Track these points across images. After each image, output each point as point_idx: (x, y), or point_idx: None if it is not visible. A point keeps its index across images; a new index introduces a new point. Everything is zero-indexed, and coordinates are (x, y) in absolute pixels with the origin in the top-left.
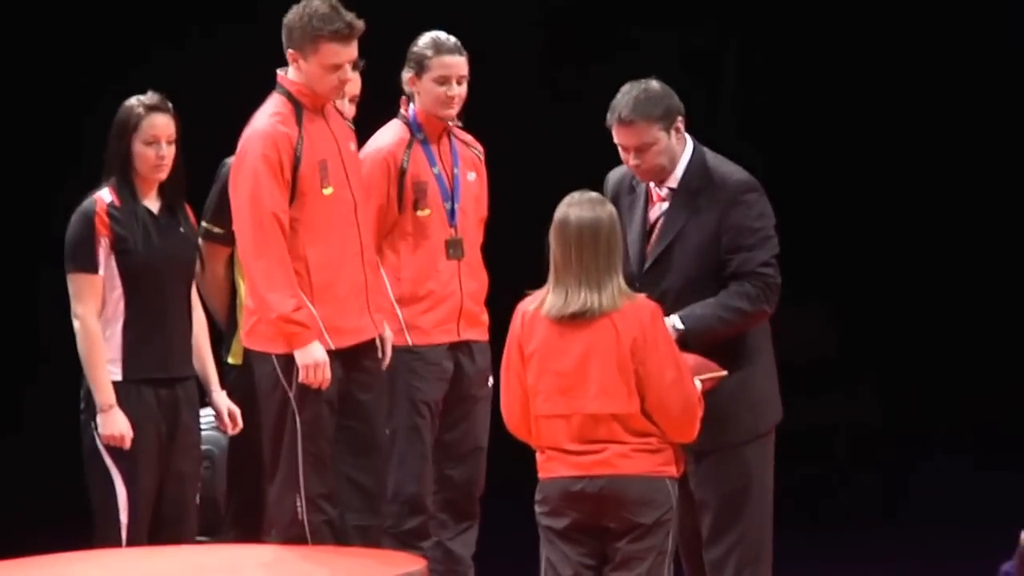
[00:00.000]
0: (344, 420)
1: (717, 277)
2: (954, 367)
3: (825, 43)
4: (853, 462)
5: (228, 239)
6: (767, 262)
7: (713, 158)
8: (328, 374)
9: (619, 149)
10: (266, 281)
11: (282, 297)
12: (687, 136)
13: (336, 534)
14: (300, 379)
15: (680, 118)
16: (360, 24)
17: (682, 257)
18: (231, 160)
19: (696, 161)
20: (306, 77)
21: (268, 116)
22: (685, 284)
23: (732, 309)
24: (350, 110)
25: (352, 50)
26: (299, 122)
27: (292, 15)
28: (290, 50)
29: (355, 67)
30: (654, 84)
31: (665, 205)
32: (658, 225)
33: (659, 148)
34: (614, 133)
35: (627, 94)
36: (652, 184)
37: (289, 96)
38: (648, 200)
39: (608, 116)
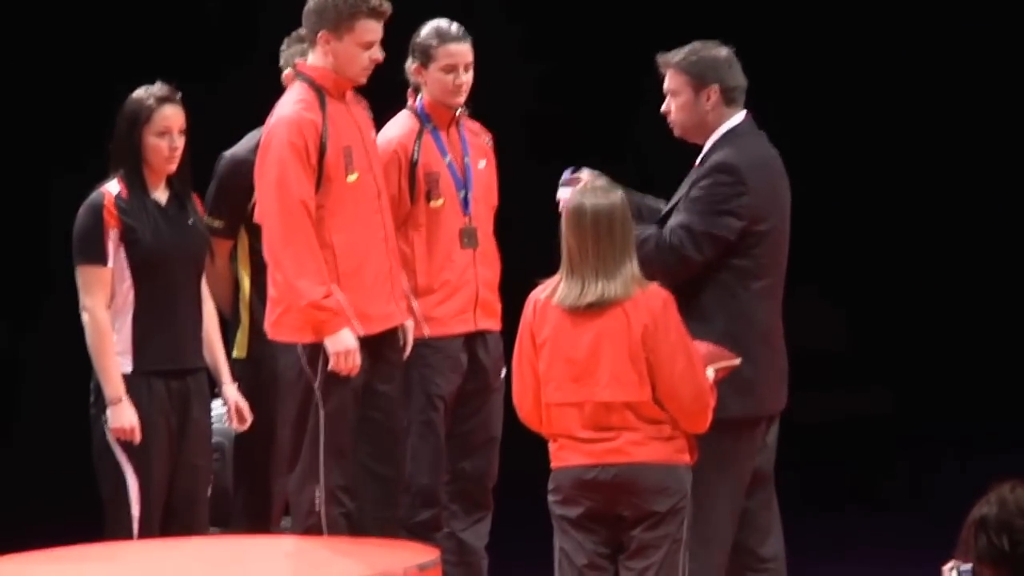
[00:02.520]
0: (364, 411)
1: None
2: (968, 360)
3: (843, 33)
4: (866, 455)
5: (228, 232)
6: (687, 226)
7: (738, 141)
8: (358, 360)
9: None
10: (296, 268)
11: (312, 284)
12: (737, 115)
13: (353, 526)
14: (331, 366)
15: (716, 87)
16: (389, 5)
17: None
18: (228, 154)
19: (723, 140)
20: (337, 58)
21: (293, 103)
22: None
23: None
24: None
25: (381, 30)
26: (323, 108)
27: None
28: (322, 31)
29: None
30: (716, 48)
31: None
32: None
33: (681, 102)
34: None
35: (690, 44)
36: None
37: (311, 83)
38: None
39: None
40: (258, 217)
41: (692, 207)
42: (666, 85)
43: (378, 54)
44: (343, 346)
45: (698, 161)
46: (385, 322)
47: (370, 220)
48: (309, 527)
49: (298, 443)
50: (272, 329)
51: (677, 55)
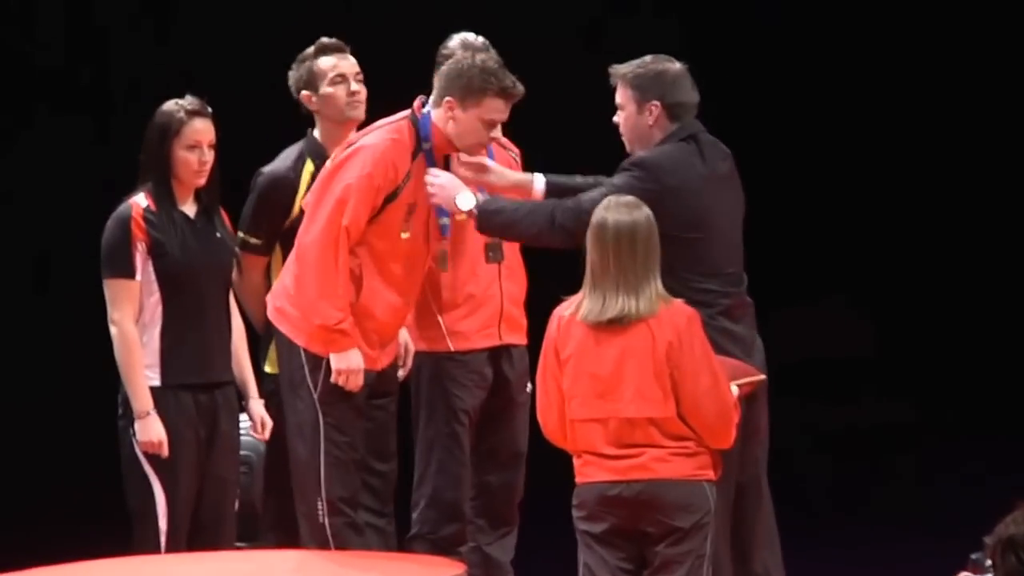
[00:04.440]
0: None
1: None
2: (994, 367)
3: (853, 36)
4: (888, 463)
5: (265, 249)
6: (595, 199)
7: (660, 146)
8: (360, 381)
9: None
10: (320, 286)
11: (330, 308)
12: (676, 132)
13: (361, 536)
14: (332, 379)
15: (656, 103)
16: (521, 88)
17: None
18: (266, 170)
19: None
20: (457, 127)
21: (387, 137)
22: None
23: (537, 211)
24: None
25: (507, 111)
26: (412, 158)
27: (461, 64)
28: (449, 97)
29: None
30: (665, 63)
31: None
32: None
33: (625, 115)
34: None
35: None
36: None
37: (417, 132)
38: None
39: None
40: (306, 207)
41: (600, 185)
42: (616, 97)
43: (498, 132)
44: (346, 365)
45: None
46: (370, 364)
47: (403, 280)
48: (317, 539)
49: (298, 450)
50: (276, 315)
51: (626, 68)
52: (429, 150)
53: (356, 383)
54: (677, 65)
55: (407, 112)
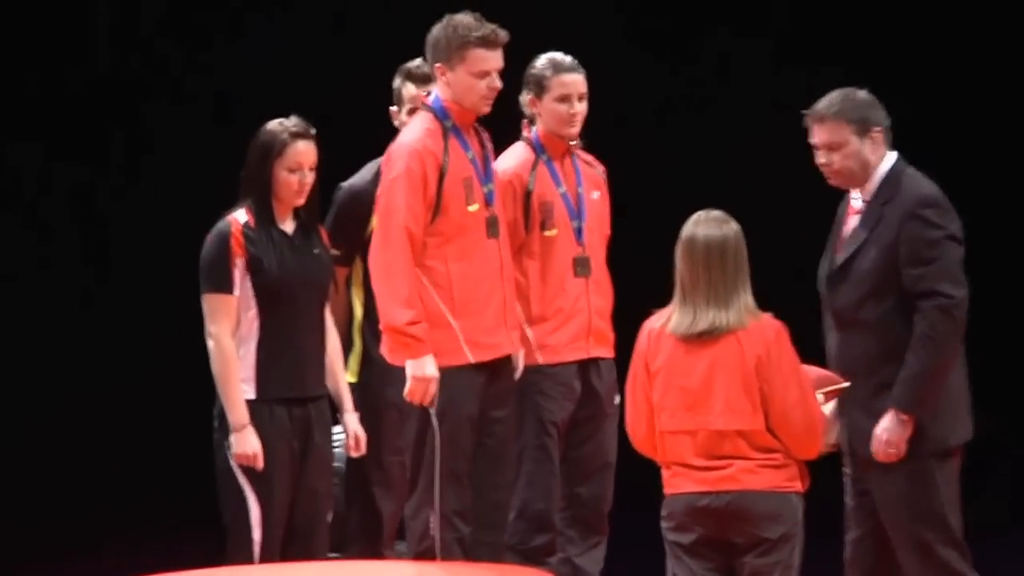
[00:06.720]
0: (478, 436)
1: (893, 290)
2: None
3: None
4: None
5: (345, 260)
6: (940, 275)
7: (910, 174)
8: (433, 390)
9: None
10: (388, 292)
11: (400, 308)
12: (891, 153)
13: (466, 551)
14: (405, 392)
15: (876, 128)
16: (504, 33)
17: (860, 270)
18: (346, 184)
19: (892, 176)
20: (453, 89)
21: (415, 132)
22: (862, 296)
23: (918, 356)
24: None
25: (498, 58)
26: (445, 139)
27: (436, 30)
28: (437, 64)
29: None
30: (860, 92)
31: (857, 218)
32: (847, 238)
33: (849, 151)
34: (809, 130)
35: (830, 94)
36: (852, 199)
37: (435, 114)
38: (846, 214)
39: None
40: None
41: (928, 256)
42: (821, 138)
43: (495, 82)
44: (421, 373)
45: (868, 200)
46: (495, 351)
47: (487, 250)
48: (423, 551)
49: (416, 467)
50: (389, 353)
51: (832, 106)
52: (453, 126)
53: (430, 393)
54: (865, 91)
55: (398, 114)
